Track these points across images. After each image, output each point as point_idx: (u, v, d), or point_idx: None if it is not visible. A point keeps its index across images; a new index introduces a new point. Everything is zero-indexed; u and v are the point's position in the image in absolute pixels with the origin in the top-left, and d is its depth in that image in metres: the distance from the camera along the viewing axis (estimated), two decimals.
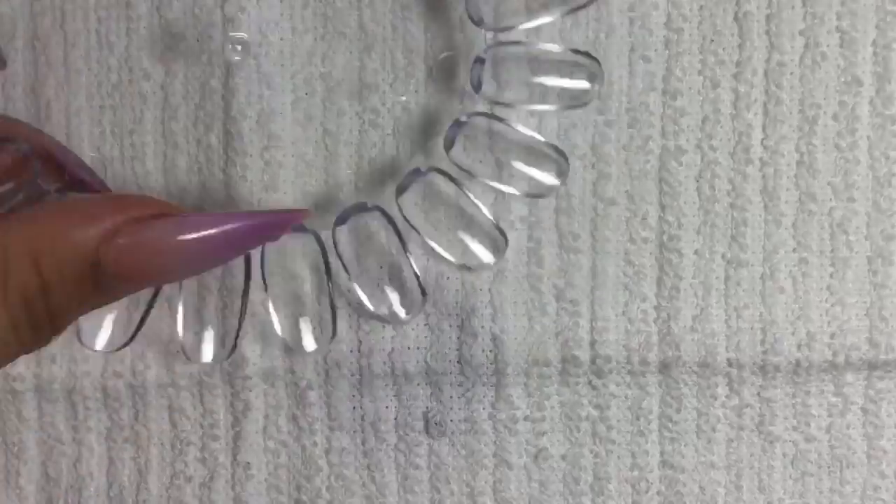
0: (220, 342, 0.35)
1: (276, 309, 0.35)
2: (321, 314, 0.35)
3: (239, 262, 0.34)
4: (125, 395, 0.37)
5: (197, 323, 0.35)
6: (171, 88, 0.36)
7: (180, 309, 0.35)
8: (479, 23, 0.33)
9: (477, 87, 0.33)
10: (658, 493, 0.37)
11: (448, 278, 0.36)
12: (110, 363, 0.36)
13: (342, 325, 0.36)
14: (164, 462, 0.37)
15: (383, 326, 0.36)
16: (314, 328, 0.35)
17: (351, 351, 0.36)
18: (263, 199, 0.36)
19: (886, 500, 0.37)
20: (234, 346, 0.35)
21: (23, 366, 0.36)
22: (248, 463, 0.37)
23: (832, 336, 0.36)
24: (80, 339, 0.34)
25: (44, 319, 0.25)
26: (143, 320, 0.33)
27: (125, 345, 0.34)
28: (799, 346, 0.36)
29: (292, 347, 0.35)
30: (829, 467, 0.37)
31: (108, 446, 0.37)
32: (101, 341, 0.34)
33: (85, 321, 0.34)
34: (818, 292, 0.36)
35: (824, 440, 0.37)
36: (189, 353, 0.35)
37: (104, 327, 0.34)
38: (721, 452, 0.37)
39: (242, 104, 0.35)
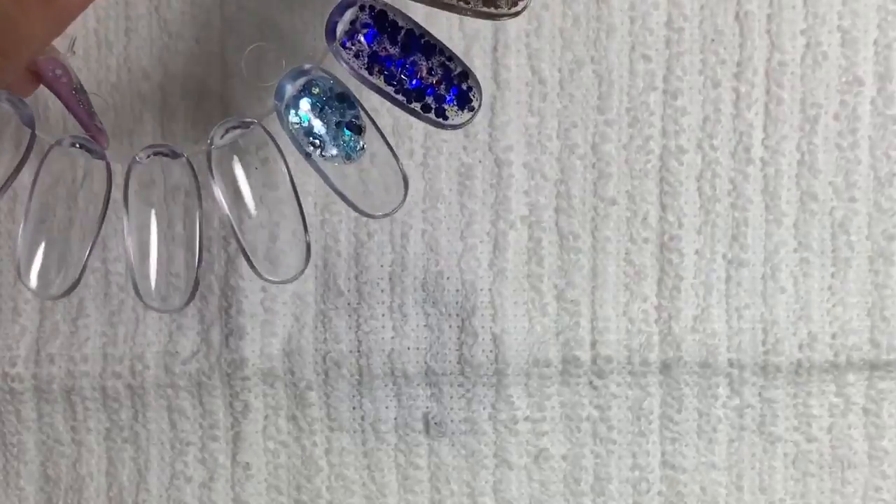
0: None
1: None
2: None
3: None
4: (124, 395, 0.37)
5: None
6: (170, 89, 0.35)
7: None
8: None
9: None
10: (659, 493, 0.37)
11: (448, 278, 0.36)
12: (109, 364, 0.36)
13: (341, 324, 0.36)
14: (163, 462, 0.37)
15: (383, 326, 0.36)
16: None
17: (350, 351, 0.36)
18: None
19: (888, 501, 0.37)
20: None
21: (21, 366, 0.36)
22: (248, 463, 0.37)
23: (833, 336, 0.36)
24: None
25: None
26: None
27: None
28: (800, 347, 0.36)
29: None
30: (830, 468, 0.37)
31: (107, 447, 0.37)
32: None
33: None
34: (819, 292, 0.36)
35: (826, 441, 0.37)
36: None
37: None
38: (722, 453, 0.37)
39: (241, 105, 0.35)
